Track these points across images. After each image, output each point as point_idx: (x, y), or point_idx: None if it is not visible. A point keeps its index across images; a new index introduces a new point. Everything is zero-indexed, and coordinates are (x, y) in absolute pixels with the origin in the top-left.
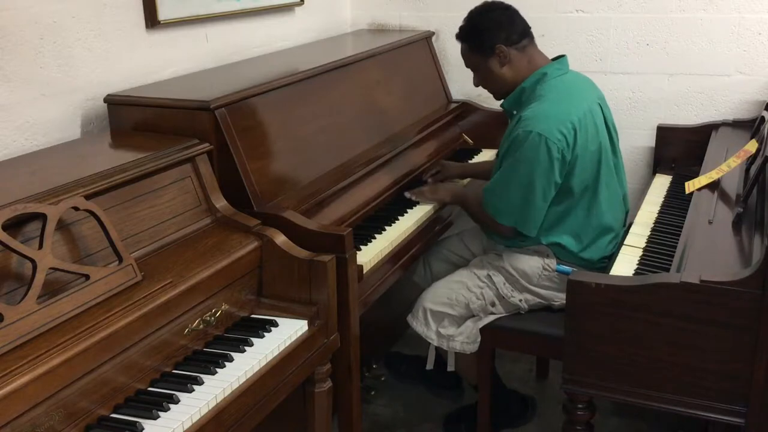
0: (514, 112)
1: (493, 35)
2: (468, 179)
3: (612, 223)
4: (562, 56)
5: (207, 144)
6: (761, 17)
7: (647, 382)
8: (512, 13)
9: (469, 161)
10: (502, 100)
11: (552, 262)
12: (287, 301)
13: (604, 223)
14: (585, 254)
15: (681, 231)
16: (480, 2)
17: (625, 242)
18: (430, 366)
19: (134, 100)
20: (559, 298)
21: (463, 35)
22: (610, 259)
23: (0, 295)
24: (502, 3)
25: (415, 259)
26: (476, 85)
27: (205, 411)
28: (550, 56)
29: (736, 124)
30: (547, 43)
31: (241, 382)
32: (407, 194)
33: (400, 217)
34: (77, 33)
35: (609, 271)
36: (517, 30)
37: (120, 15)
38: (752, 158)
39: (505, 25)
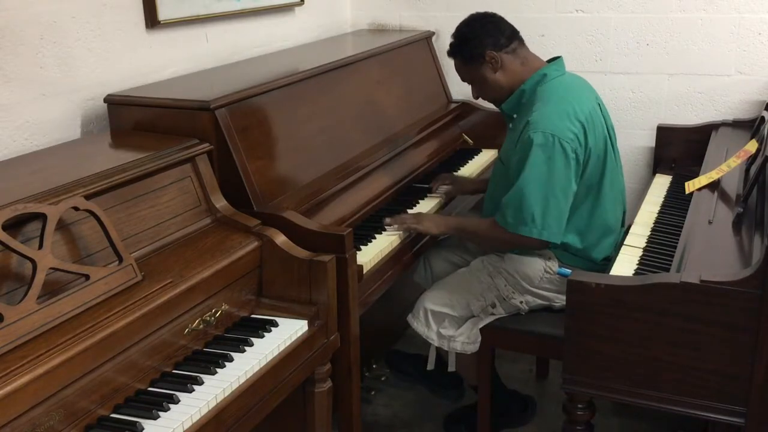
0: (514, 116)
1: (481, 42)
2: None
3: (614, 222)
4: (558, 57)
5: (207, 144)
6: (761, 17)
7: (647, 383)
8: (497, 19)
9: (469, 161)
10: (502, 103)
11: (553, 264)
12: (287, 301)
13: (607, 222)
14: (589, 253)
15: (681, 231)
16: (474, 8)
17: (625, 242)
18: (430, 366)
19: (134, 100)
20: (560, 299)
21: (453, 50)
22: (611, 259)
23: (0, 295)
24: (486, 12)
25: (416, 259)
26: (475, 97)
27: (205, 411)
28: (550, 56)
29: (736, 124)
30: (547, 43)
31: (241, 382)
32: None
33: None
34: (77, 33)
35: (609, 271)
36: (505, 34)
37: (120, 15)
38: (752, 158)
39: (492, 31)
